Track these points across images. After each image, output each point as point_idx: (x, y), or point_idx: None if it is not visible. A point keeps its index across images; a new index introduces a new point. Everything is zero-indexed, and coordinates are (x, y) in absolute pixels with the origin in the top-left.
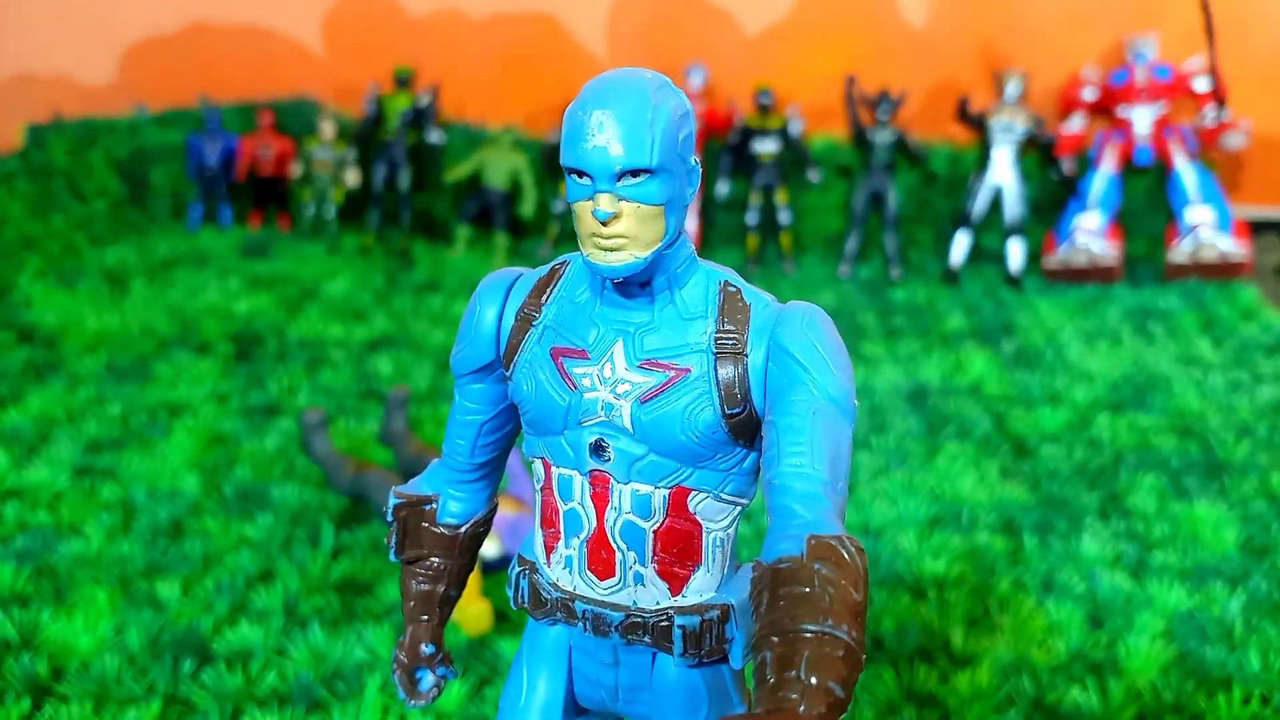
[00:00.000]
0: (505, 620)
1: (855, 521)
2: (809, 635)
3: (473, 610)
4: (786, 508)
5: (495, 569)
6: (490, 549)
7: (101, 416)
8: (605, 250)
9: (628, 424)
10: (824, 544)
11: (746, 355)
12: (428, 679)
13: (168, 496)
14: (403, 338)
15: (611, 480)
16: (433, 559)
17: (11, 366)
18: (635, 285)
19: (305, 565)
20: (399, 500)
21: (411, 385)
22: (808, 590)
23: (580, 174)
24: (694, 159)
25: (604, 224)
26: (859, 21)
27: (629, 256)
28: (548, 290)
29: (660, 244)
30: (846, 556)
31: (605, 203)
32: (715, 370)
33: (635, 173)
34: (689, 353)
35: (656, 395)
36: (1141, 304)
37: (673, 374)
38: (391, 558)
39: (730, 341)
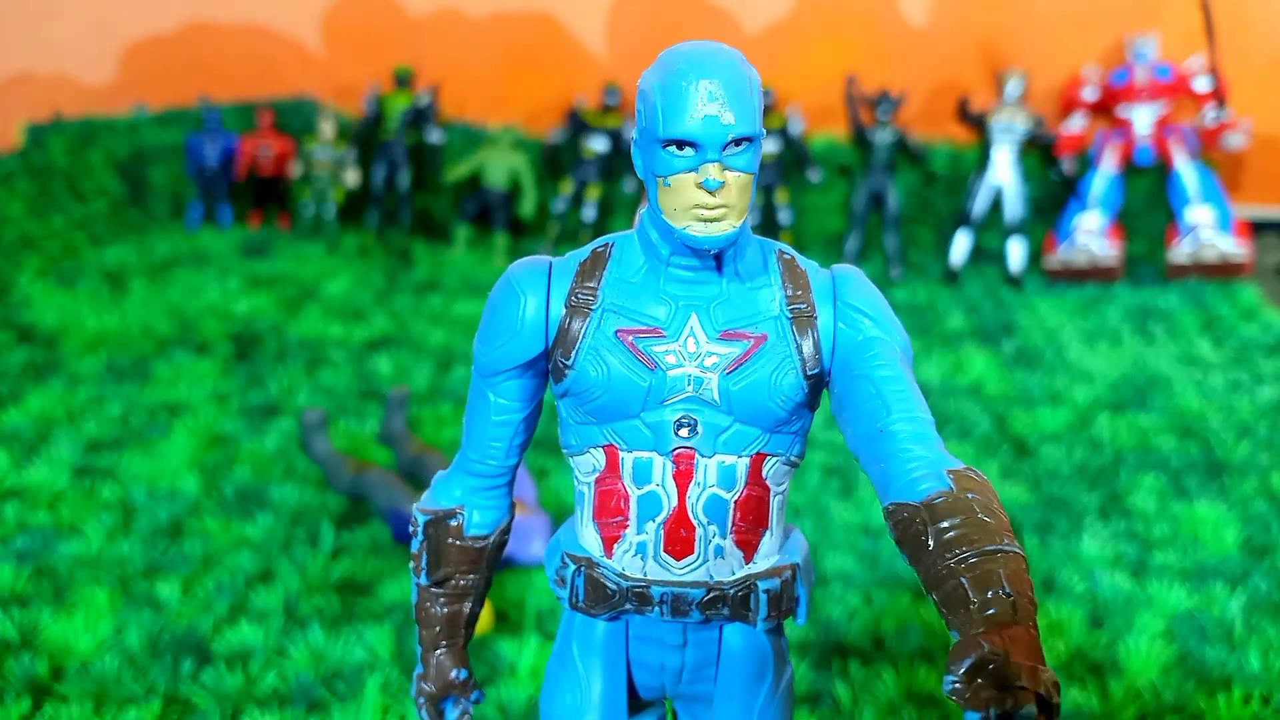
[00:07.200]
0: (505, 620)
1: (855, 521)
2: (996, 555)
3: None
4: (903, 450)
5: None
6: None
7: (101, 416)
8: (708, 221)
9: (716, 396)
10: (962, 475)
11: (816, 318)
12: (451, 709)
13: (167, 496)
14: (402, 338)
15: (696, 455)
16: (458, 578)
17: (11, 366)
18: (707, 257)
19: (305, 565)
20: (428, 516)
21: (411, 385)
22: (971, 518)
23: (680, 145)
24: None
25: (712, 194)
26: (859, 21)
27: (729, 226)
28: (597, 273)
29: (748, 214)
30: (982, 482)
31: (715, 171)
32: (793, 335)
33: (738, 141)
34: (762, 320)
35: (741, 364)
36: (1142, 304)
37: (752, 343)
38: (423, 581)
39: (802, 306)
